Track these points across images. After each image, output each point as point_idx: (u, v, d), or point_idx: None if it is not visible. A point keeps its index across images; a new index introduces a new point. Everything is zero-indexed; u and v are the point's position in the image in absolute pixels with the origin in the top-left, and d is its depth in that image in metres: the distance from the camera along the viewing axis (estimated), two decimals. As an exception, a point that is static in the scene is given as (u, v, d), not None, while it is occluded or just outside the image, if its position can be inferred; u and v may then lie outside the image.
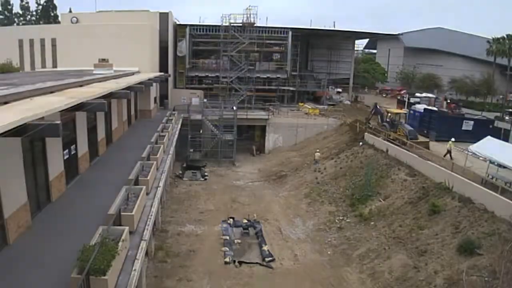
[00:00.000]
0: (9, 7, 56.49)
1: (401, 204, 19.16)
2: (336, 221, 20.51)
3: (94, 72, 20.91)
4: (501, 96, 49.25)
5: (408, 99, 38.75)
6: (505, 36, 46.38)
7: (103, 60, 22.95)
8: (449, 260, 14.33)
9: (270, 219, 21.51)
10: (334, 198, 22.91)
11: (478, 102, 48.89)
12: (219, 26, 38.35)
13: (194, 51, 40.08)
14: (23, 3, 57.36)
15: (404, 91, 54.11)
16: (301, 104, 40.59)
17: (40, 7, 56.69)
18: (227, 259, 16.63)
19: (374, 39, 66.22)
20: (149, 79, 24.83)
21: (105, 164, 16.93)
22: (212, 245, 18.09)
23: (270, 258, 16.85)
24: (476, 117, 30.84)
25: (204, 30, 39.24)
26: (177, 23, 38.77)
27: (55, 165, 12.68)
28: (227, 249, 17.52)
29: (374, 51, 78.77)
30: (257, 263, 16.66)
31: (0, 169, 9.03)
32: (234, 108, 32.75)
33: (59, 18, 46.61)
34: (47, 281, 8.03)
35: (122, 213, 10.40)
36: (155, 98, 32.75)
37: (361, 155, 26.50)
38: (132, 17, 33.59)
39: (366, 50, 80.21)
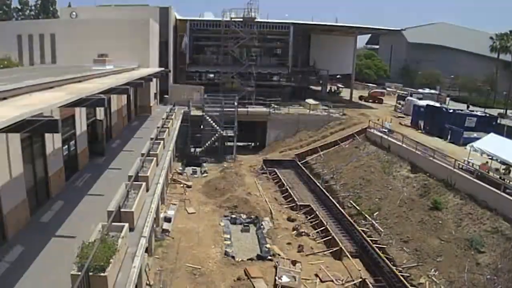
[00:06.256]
0: (8, 1, 55.93)
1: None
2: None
3: (94, 67, 20.71)
4: (504, 93, 48.86)
5: (411, 95, 38.69)
6: (509, 32, 45.88)
7: (103, 55, 22.78)
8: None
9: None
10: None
11: (481, 98, 48.49)
12: (219, 21, 37.98)
13: (195, 46, 39.77)
14: (22, -3, 56.90)
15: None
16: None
17: (39, 1, 56.24)
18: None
19: (376, 34, 65.62)
20: (149, 75, 24.63)
21: (105, 160, 16.83)
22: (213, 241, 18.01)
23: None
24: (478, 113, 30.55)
25: (205, 25, 38.85)
26: (178, 18, 38.45)
27: (54, 161, 12.59)
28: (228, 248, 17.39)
29: (376, 46, 78.11)
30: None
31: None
32: (235, 103, 32.49)
33: (58, 13, 46.27)
34: (46, 279, 7.96)
35: (121, 210, 10.29)
36: (155, 94, 32.53)
37: (362, 151, 26.37)
38: (132, 11, 33.24)
39: (368, 46, 79.62)
